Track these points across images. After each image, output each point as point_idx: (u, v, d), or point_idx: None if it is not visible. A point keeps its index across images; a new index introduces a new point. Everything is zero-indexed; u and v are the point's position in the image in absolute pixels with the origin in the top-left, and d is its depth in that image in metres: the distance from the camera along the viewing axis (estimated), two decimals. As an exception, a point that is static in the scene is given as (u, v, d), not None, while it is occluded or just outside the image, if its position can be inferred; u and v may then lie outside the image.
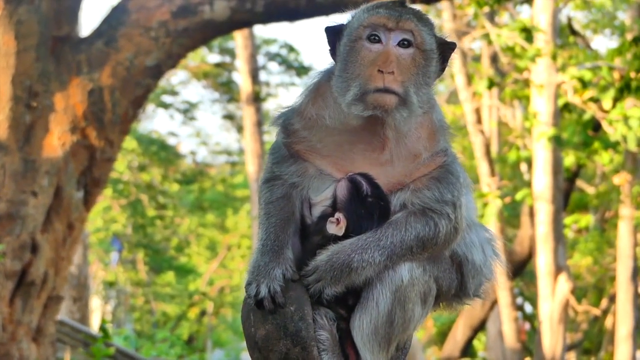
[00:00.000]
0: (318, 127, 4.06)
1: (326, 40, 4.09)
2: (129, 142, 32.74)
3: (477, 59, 25.64)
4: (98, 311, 35.96)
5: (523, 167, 26.10)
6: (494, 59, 23.51)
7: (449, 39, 4.07)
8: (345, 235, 3.96)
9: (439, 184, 3.98)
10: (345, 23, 4.07)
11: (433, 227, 3.96)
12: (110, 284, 35.44)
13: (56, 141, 9.97)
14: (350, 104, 3.92)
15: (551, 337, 19.07)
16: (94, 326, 24.91)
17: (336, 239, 3.97)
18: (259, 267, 3.99)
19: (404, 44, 3.95)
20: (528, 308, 34.49)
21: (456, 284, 4.14)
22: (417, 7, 4.05)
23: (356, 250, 3.91)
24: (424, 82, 3.97)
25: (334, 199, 3.99)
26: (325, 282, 3.91)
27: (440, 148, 4.04)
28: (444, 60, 4.07)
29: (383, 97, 3.88)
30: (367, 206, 3.95)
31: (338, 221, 3.97)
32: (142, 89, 10.48)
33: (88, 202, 10.44)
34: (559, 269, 19.12)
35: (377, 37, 3.95)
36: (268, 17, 10.96)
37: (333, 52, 4.09)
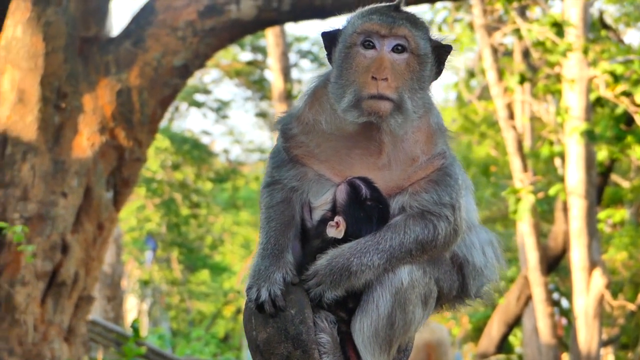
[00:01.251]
0: (315, 132, 4.07)
1: (323, 45, 4.10)
2: (162, 141, 32.78)
3: (508, 54, 25.48)
4: (135, 310, 36.15)
5: (557, 161, 25.88)
6: (526, 54, 23.35)
7: (444, 42, 4.05)
8: (345, 239, 3.97)
9: (437, 186, 3.98)
10: (341, 28, 4.07)
11: (432, 229, 3.96)
12: (145, 283, 35.53)
13: (85, 142, 10.02)
14: (346, 110, 3.93)
15: (586, 333, 18.93)
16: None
17: (336, 242, 3.97)
18: (259, 271, 4.01)
19: (398, 49, 3.95)
20: (565, 303, 34.23)
21: (457, 285, 4.14)
22: (419, 7, 4.03)
23: (355, 254, 3.91)
24: (418, 86, 3.97)
25: (334, 203, 4.00)
26: (325, 285, 3.92)
27: (438, 151, 4.03)
28: (440, 63, 4.07)
29: (377, 104, 3.88)
30: (366, 209, 3.96)
31: (337, 225, 3.98)
32: (169, 89, 10.51)
33: (118, 202, 10.48)
34: (593, 264, 18.97)
35: (371, 44, 3.95)
36: (295, 15, 10.91)
37: (329, 58, 4.09)
